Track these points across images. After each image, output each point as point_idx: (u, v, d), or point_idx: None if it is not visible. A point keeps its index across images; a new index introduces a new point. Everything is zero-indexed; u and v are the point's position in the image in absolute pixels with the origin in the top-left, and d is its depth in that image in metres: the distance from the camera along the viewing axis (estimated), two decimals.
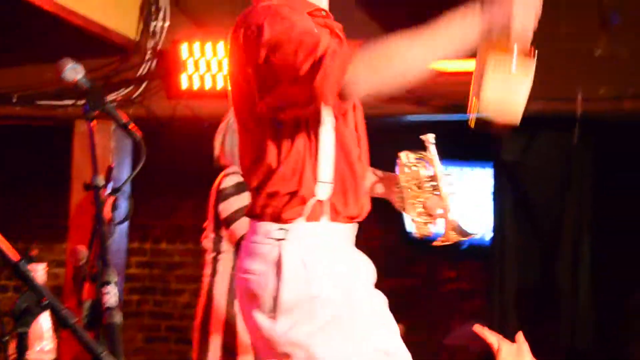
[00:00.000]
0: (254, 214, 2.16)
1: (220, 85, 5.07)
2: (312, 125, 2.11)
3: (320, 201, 2.11)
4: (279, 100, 2.04)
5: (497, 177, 5.13)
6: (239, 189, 3.22)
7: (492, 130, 2.14)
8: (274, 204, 2.11)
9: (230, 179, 3.28)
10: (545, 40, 4.69)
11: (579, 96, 4.60)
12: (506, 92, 2.01)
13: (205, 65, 5.09)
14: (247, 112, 2.14)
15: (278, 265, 2.07)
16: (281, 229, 2.10)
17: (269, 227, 2.11)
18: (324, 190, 2.11)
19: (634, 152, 4.83)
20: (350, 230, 2.19)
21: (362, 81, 1.91)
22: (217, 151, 3.38)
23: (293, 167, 2.10)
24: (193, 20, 5.15)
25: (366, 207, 2.22)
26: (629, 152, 4.86)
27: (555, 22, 4.60)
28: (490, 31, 1.94)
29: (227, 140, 3.33)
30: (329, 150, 2.11)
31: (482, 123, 2.09)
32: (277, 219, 2.10)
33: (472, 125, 2.10)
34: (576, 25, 4.62)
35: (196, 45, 5.05)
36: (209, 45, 5.05)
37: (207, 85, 5.09)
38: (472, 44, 1.96)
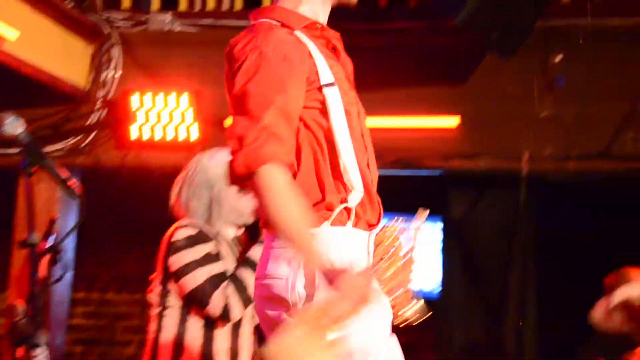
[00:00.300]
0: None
1: (170, 136, 5.07)
2: (327, 131, 2.14)
3: (349, 207, 2.13)
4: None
5: (445, 231, 5.18)
6: (191, 242, 3.17)
7: None
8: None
9: (183, 231, 3.23)
10: (493, 101, 4.84)
11: (525, 155, 4.68)
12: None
13: (156, 116, 5.08)
14: None
15: (302, 268, 2.08)
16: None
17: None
18: (355, 197, 2.14)
19: (577, 210, 4.95)
20: (369, 239, 2.19)
21: (258, 177, 1.98)
22: (172, 201, 3.34)
23: (313, 174, 2.13)
24: (145, 70, 5.17)
25: (381, 213, 2.24)
26: (572, 210, 4.98)
27: (503, 84, 4.72)
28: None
29: (183, 192, 3.29)
30: (351, 156, 2.15)
31: None
32: None
33: None
34: (523, 87, 4.72)
35: (147, 95, 5.05)
36: (160, 96, 5.05)
37: (157, 136, 5.07)
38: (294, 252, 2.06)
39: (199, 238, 3.10)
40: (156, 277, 3.25)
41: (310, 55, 2.16)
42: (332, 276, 1.97)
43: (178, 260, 3.14)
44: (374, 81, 4.84)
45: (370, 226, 2.20)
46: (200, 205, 3.19)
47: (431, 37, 4.74)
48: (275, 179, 2.00)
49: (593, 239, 4.90)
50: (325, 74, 2.16)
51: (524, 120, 4.72)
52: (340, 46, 2.29)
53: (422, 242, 2.24)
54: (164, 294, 3.22)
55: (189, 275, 3.10)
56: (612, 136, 4.67)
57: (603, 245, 4.81)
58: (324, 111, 2.15)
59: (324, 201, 2.12)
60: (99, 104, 5.13)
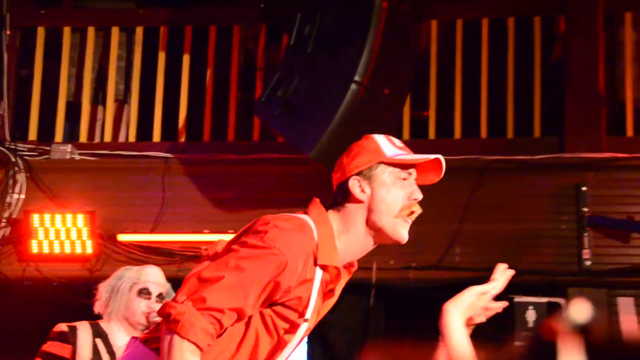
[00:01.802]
0: (146, 342, 2.16)
1: (68, 249, 5.35)
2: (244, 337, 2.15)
3: None
4: None
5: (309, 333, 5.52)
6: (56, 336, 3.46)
7: None
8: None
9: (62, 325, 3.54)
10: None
11: (374, 266, 5.05)
12: None
13: (54, 233, 5.38)
14: None
15: None
16: None
17: None
18: None
19: (417, 313, 5.39)
20: None
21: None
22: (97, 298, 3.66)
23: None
24: (46, 193, 5.45)
25: None
26: (413, 313, 5.40)
27: None
28: None
29: (104, 294, 3.64)
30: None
31: None
32: None
33: None
34: None
35: (47, 216, 5.32)
36: (58, 216, 5.32)
37: (56, 250, 5.35)
38: None
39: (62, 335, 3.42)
40: None
41: (310, 289, 2.14)
42: None
43: None
44: (245, 203, 5.24)
45: None
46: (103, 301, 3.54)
47: (292, 165, 5.17)
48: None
49: (430, 335, 5.32)
50: (310, 311, 2.17)
51: None
52: (344, 281, 2.31)
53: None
54: None
55: None
56: (444, 251, 5.10)
57: (438, 340, 5.24)
58: (284, 330, 2.15)
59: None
60: (3, 222, 5.38)
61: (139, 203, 5.42)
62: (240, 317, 2.08)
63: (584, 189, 5.08)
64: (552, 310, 5.06)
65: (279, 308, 2.13)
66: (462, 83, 5.47)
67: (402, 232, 2.25)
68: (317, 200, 2.24)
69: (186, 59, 5.70)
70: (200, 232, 5.25)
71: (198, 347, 2.01)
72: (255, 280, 2.06)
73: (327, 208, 2.23)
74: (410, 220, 2.27)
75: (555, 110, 5.37)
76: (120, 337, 3.52)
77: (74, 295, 5.07)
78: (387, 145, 2.25)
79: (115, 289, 3.58)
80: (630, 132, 5.31)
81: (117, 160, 5.51)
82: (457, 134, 5.42)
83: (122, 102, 5.87)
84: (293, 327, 2.17)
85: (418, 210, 2.26)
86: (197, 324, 2.01)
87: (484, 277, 5.02)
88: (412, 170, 2.26)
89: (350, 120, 4.47)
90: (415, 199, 2.24)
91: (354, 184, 2.22)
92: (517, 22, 5.56)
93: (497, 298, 5.40)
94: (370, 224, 2.22)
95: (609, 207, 5.09)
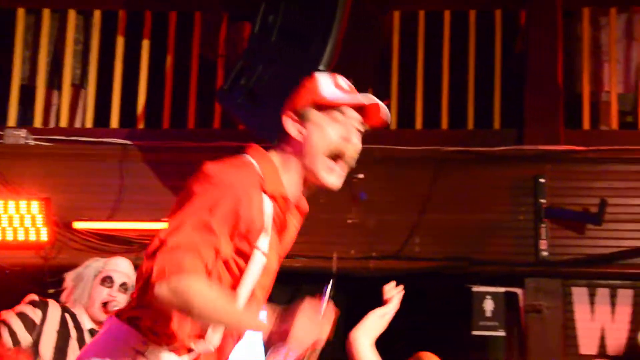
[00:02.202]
0: (121, 316, 2.10)
1: (21, 237, 5.24)
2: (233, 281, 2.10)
3: (192, 348, 2.08)
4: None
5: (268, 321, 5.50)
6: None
7: None
8: (144, 322, 2.06)
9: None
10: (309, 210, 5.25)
11: (334, 256, 5.08)
12: None
13: (7, 220, 5.24)
14: None
15: None
16: (145, 343, 2.04)
17: (133, 335, 2.05)
18: (202, 347, 2.09)
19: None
20: None
21: (173, 297, 1.94)
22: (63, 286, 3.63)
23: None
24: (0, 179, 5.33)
25: None
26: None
27: (316, 196, 5.21)
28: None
29: (70, 282, 3.61)
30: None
31: None
32: (144, 333, 2.05)
33: None
34: (332, 199, 5.09)
35: (0, 202, 5.20)
36: (11, 203, 5.21)
37: (9, 237, 5.23)
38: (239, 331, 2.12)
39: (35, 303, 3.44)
40: None
41: (263, 219, 2.09)
42: (279, 336, 1.97)
43: None
44: None
45: None
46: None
47: None
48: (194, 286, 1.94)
49: (390, 325, 5.36)
50: (266, 244, 2.10)
51: (334, 226, 5.14)
52: (296, 221, 2.25)
53: None
54: None
55: None
56: (404, 241, 5.13)
57: (398, 329, 5.30)
58: (241, 266, 2.09)
59: (169, 326, 2.03)
60: None
61: (96, 190, 5.33)
62: (216, 255, 2.04)
63: (542, 180, 5.15)
64: (510, 300, 5.13)
65: (236, 241, 2.09)
66: (424, 74, 5.49)
67: (326, 176, 2.17)
68: (256, 144, 2.22)
69: (146, 44, 5.62)
70: (159, 220, 5.17)
71: (195, 273, 1.96)
72: (218, 217, 2.02)
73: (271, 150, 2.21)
74: (337, 167, 2.16)
75: (515, 103, 5.42)
76: (86, 321, 3.50)
77: (27, 283, 4.97)
78: (328, 85, 2.18)
79: (80, 276, 3.58)
80: (587, 125, 5.39)
81: (74, 146, 5.42)
82: (419, 124, 5.44)
83: (78, 86, 5.76)
84: (247, 258, 2.11)
85: (351, 153, 2.15)
86: (182, 260, 1.96)
87: (443, 266, 5.14)
88: (350, 112, 2.16)
89: None
90: (347, 140, 2.14)
91: (288, 122, 2.18)
92: (479, 14, 5.58)
93: (455, 288, 5.46)
94: (302, 164, 2.17)
95: (565, 199, 5.16)
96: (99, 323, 3.49)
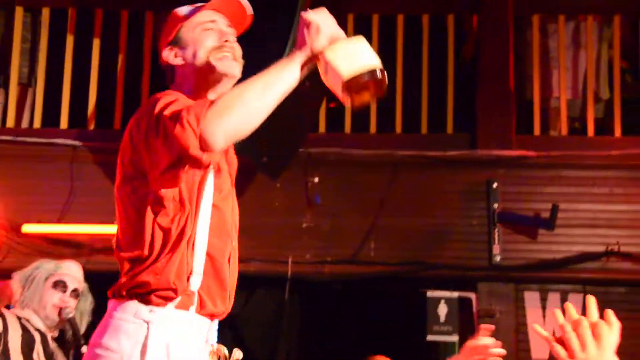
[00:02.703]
0: (120, 294, 2.09)
1: None
2: (189, 216, 2.08)
3: (192, 292, 2.08)
4: (160, 165, 2.02)
5: (220, 325, 5.44)
6: None
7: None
8: (144, 289, 2.06)
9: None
10: (262, 215, 5.20)
11: (290, 260, 5.06)
12: (355, 55, 2.05)
13: None
14: (127, 195, 2.13)
15: (144, 345, 2.02)
16: (151, 311, 2.05)
17: (138, 307, 2.05)
18: (196, 281, 2.08)
19: (331, 307, 5.42)
20: (211, 327, 2.15)
21: (217, 127, 1.93)
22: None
23: (168, 258, 2.05)
24: None
25: (229, 308, 2.19)
26: (327, 306, 5.43)
27: (271, 199, 5.18)
28: (314, 41, 2.05)
29: (18, 282, 3.50)
30: (203, 241, 2.09)
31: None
32: (147, 302, 2.05)
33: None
34: (287, 203, 5.18)
35: None
36: None
37: None
38: (295, 81, 2.06)
39: None
40: None
41: None
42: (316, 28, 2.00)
43: None
44: None
45: (214, 316, 2.16)
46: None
47: None
48: (218, 105, 1.94)
49: (345, 329, 5.36)
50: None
51: (288, 230, 5.12)
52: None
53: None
54: None
55: None
56: (358, 245, 5.12)
57: (353, 333, 5.30)
58: (195, 189, 2.10)
59: (170, 284, 2.04)
60: None
61: (45, 192, 5.20)
62: None
63: (494, 185, 5.20)
64: (463, 304, 5.17)
65: None
66: None
67: (227, 64, 2.22)
68: (168, 90, 2.25)
69: (96, 43, 5.50)
70: (110, 223, 5.04)
71: (204, 105, 1.96)
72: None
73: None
74: (227, 53, 2.22)
75: (467, 108, 5.46)
76: (39, 323, 3.43)
77: None
78: (185, 8, 2.31)
79: (30, 278, 3.50)
80: (537, 130, 5.46)
81: (21, 147, 5.27)
82: (373, 128, 5.44)
83: (26, 85, 5.60)
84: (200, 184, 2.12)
85: (234, 52, 2.24)
86: (189, 113, 1.96)
87: (397, 271, 5.15)
88: (216, 17, 2.27)
89: (272, 112, 4.39)
90: (226, 40, 2.24)
91: (167, 54, 2.27)
92: (432, 19, 5.61)
93: (409, 292, 5.48)
94: (200, 81, 2.23)
95: (518, 204, 5.22)
96: (51, 326, 3.43)
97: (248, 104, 1.96)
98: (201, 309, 2.12)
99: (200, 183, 2.13)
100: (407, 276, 5.17)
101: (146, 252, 2.08)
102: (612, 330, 1.51)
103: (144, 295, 2.07)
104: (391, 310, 5.23)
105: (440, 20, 5.66)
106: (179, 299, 2.08)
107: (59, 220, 5.15)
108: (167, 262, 2.07)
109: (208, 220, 2.12)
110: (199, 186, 2.12)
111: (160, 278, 2.06)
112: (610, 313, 1.55)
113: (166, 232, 2.08)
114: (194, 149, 1.93)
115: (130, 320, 2.06)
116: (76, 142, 5.28)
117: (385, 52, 5.51)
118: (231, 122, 1.95)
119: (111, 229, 5.03)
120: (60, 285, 3.52)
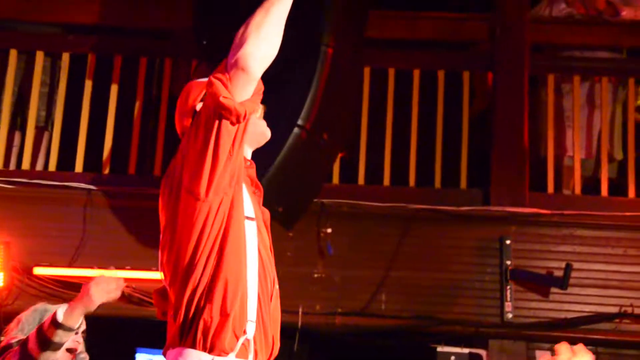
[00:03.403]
0: (181, 341, 2.11)
1: None
2: (239, 255, 2.15)
3: (248, 339, 2.14)
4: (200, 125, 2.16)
5: None
6: None
7: None
8: (205, 335, 2.08)
9: None
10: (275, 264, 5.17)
11: (300, 310, 5.05)
12: None
13: None
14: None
15: None
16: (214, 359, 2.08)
17: (202, 357, 2.09)
18: (251, 328, 2.16)
19: (341, 358, 5.37)
20: None
21: (246, 50, 2.17)
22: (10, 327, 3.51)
23: (229, 300, 2.10)
24: None
25: (277, 349, 2.29)
26: (338, 358, 5.38)
27: (283, 249, 5.17)
28: None
29: (27, 325, 3.48)
30: (254, 288, 2.19)
31: None
32: (210, 349, 2.10)
33: None
34: (300, 253, 5.19)
35: None
36: None
37: None
38: None
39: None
40: None
41: (238, 182, 2.21)
42: None
43: None
44: (151, 239, 5.12)
45: None
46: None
47: None
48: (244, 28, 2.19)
49: None
50: (249, 207, 2.22)
51: (300, 280, 5.11)
52: (259, 192, 2.37)
53: None
54: None
55: None
56: (370, 297, 5.11)
57: None
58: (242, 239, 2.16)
59: (229, 328, 2.09)
60: None
61: (58, 235, 5.21)
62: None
63: (507, 242, 5.19)
64: None
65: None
66: (392, 131, 5.52)
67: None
68: None
69: (114, 89, 5.55)
70: (122, 268, 5.05)
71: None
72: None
73: None
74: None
75: (482, 163, 5.48)
76: None
77: None
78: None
79: (41, 318, 3.46)
80: (551, 189, 5.47)
81: (36, 189, 5.30)
82: (386, 181, 5.46)
83: (42, 128, 5.64)
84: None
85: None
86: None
87: (408, 325, 5.12)
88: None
89: (290, 163, 4.42)
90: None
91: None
92: (447, 75, 5.66)
93: (420, 346, 5.44)
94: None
95: (530, 262, 5.21)
96: None
97: (261, 28, 2.18)
98: (255, 356, 2.18)
99: (244, 233, 2.18)
100: (418, 330, 5.14)
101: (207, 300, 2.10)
102: None
103: (204, 342, 2.10)
104: None
105: (456, 76, 5.71)
106: (238, 347, 2.13)
107: (71, 264, 5.15)
108: (230, 310, 2.11)
109: (256, 269, 2.20)
110: (245, 235, 2.18)
111: (220, 324, 2.10)
112: None
113: (224, 281, 2.12)
114: (224, 96, 2.11)
115: None
116: (90, 186, 5.31)
117: (400, 105, 5.59)
118: (261, 37, 2.19)
119: (123, 273, 5.07)
120: None
